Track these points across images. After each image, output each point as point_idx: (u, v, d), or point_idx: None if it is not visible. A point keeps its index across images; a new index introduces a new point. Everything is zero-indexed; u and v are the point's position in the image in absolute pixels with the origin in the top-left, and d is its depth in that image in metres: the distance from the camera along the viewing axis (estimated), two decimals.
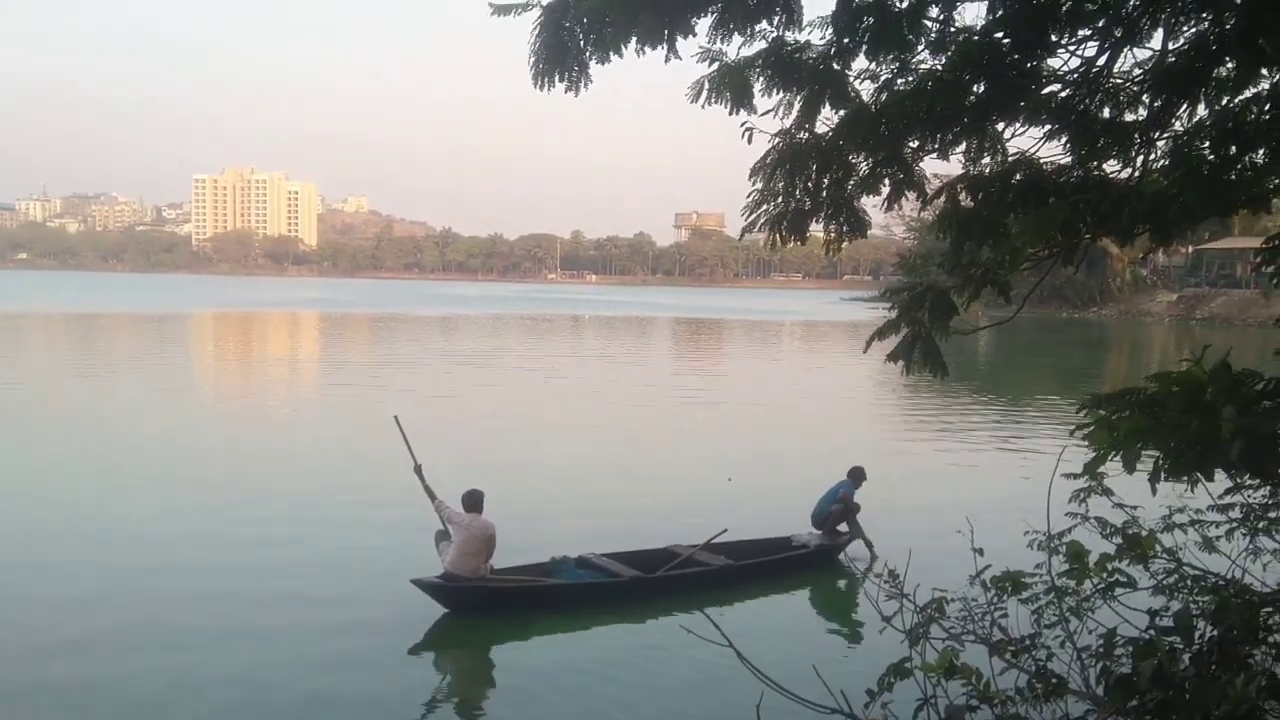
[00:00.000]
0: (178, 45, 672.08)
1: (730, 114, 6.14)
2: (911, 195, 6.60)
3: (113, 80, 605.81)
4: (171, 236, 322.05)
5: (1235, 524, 5.50)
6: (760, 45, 5.99)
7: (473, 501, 11.22)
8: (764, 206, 6.54)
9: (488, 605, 11.13)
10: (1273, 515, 5.44)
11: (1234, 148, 5.10)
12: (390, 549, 12.86)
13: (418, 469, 11.70)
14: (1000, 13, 5.54)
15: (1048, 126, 5.99)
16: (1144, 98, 5.82)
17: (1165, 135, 5.85)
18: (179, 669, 9.57)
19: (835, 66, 6.01)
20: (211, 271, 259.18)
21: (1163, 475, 3.83)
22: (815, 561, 13.22)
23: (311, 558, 12.88)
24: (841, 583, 13.13)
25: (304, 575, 12.16)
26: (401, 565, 11.62)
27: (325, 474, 18.23)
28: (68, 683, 9.21)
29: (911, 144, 6.26)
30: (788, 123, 6.27)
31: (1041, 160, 6.13)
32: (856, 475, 13.87)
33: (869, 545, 13.42)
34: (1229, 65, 5.29)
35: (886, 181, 6.44)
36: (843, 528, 13.67)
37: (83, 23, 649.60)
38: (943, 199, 6.56)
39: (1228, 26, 5.15)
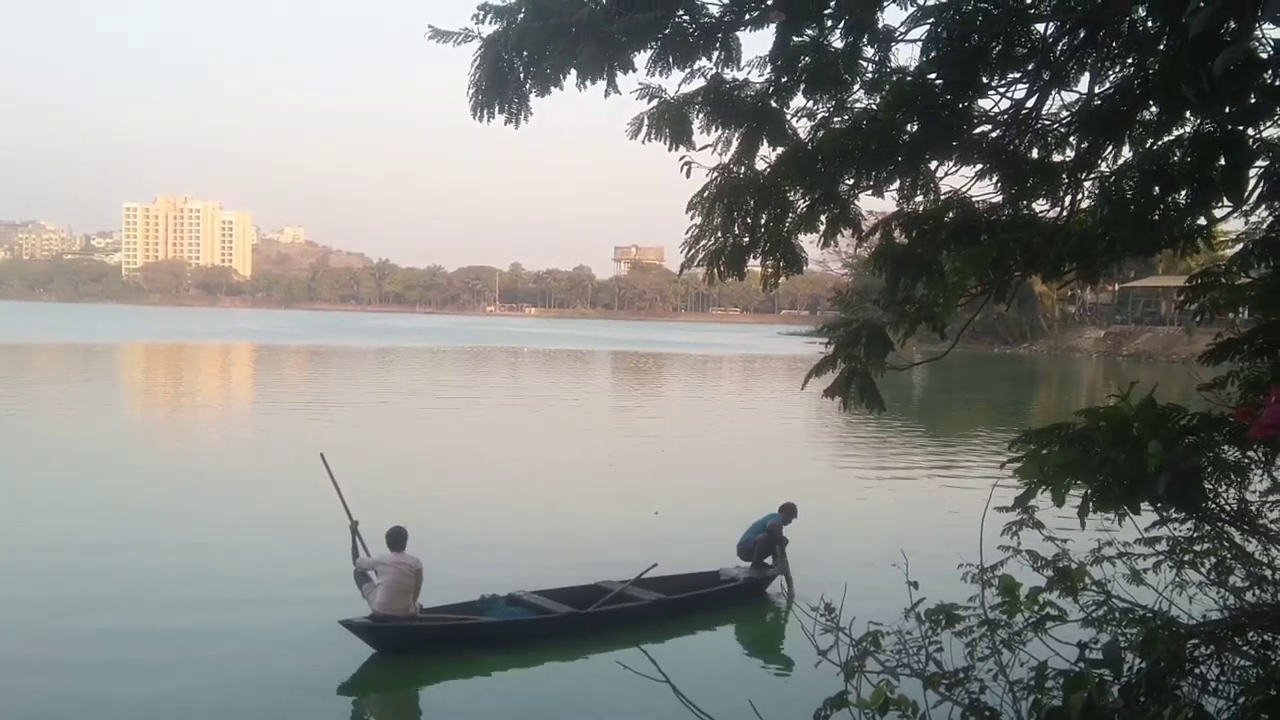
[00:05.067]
0: (109, 71, 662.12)
1: (670, 150, 6.18)
2: (847, 232, 6.68)
3: (41, 105, 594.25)
4: (100, 266, 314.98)
5: (1162, 557, 5.60)
6: (699, 82, 6.04)
7: (397, 539, 11.01)
8: (703, 242, 6.57)
9: (419, 645, 10.94)
10: (1198, 548, 5.54)
11: (1158, 189, 5.23)
12: (316, 588, 12.55)
13: (354, 526, 11.48)
14: (933, 55, 5.64)
15: (979, 166, 6.10)
16: (1071, 139, 5.95)
17: (1092, 176, 5.99)
18: (88, 708, 9.29)
19: (773, 104, 6.08)
20: (142, 302, 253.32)
21: (1091, 508, 3.88)
22: (745, 595, 13.24)
23: (235, 596, 12.59)
24: (771, 616, 13.16)
25: (227, 615, 11.88)
26: (329, 605, 11.37)
27: (249, 509, 17.86)
28: None
29: (847, 181, 6.34)
30: (726, 159, 6.32)
31: (973, 199, 6.25)
32: (788, 511, 13.90)
33: (789, 580, 13.44)
34: (1153, 109, 5.45)
35: (823, 218, 6.51)
36: (770, 560, 13.68)
37: (6, 45, 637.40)
38: (878, 236, 6.65)
39: (1151, 73, 5.30)
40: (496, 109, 5.89)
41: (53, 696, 9.50)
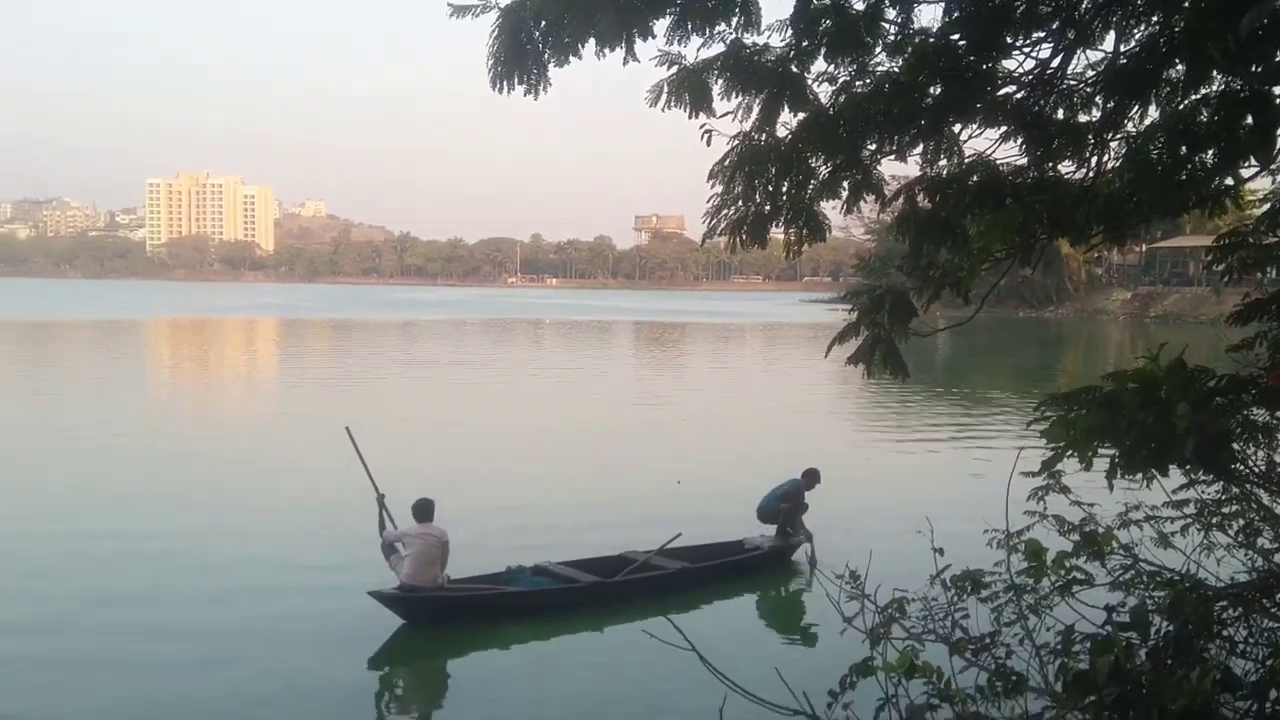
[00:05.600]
0: (129, 47, 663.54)
1: (690, 117, 6.14)
2: (870, 198, 6.62)
3: (63, 83, 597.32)
4: (125, 242, 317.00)
5: (1190, 520, 5.58)
6: (719, 48, 5.98)
7: (423, 510, 11.07)
8: (724, 211, 6.53)
9: (447, 615, 11.04)
10: (1226, 510, 5.51)
11: (1185, 149, 5.16)
12: (344, 560, 12.63)
13: (380, 499, 11.53)
14: (956, 15, 5.58)
15: (1004, 128, 6.04)
16: (1097, 99, 5.88)
17: (1118, 136, 5.92)
18: (121, 685, 9.42)
19: (794, 69, 6.01)
20: (166, 278, 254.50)
21: (1119, 472, 3.86)
22: (770, 563, 13.27)
23: (261, 569, 12.73)
24: (796, 584, 13.18)
25: (255, 589, 12.00)
26: (355, 579, 11.46)
27: (276, 484, 18.03)
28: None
29: (869, 146, 6.28)
30: (747, 126, 6.27)
31: (998, 162, 6.18)
32: (811, 476, 13.88)
33: (811, 546, 13.44)
34: (1179, 68, 5.37)
35: (845, 184, 6.45)
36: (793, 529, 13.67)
37: (30, 24, 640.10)
38: (901, 201, 6.59)
39: (1177, 31, 5.22)
40: (516, 80, 5.86)
41: (61, 679, 9.66)
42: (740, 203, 6.44)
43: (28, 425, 23.92)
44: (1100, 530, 4.90)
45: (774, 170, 6.31)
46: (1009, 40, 5.68)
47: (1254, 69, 4.67)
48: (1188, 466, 4.09)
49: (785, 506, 13.61)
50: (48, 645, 10.15)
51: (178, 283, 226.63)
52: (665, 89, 6.10)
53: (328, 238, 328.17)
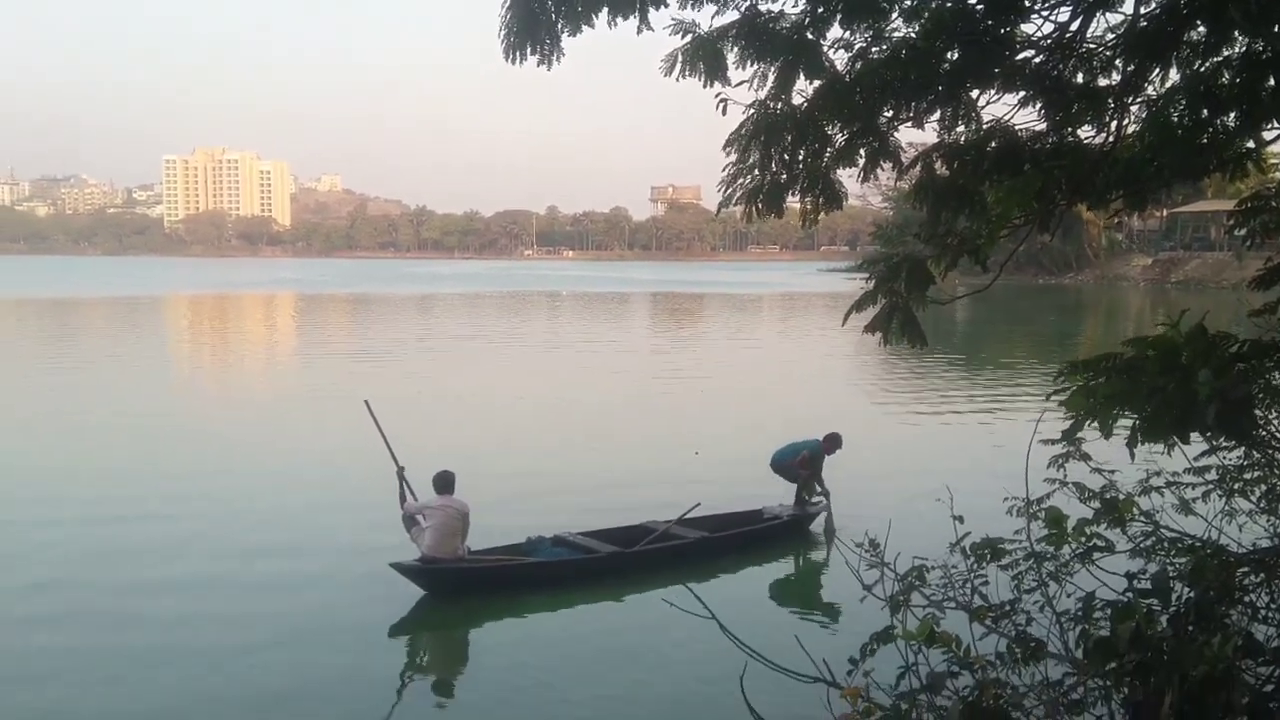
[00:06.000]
0: (143, 25, 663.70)
1: (705, 86, 6.09)
2: (887, 165, 6.57)
3: (79, 61, 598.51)
4: (143, 219, 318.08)
5: (1211, 486, 5.55)
6: (733, 15, 5.94)
7: (444, 483, 11.12)
8: (740, 180, 6.49)
9: (468, 586, 11.12)
10: (1248, 476, 5.49)
11: (1206, 111, 5.11)
12: (367, 533, 12.69)
13: (400, 472, 11.58)
14: None
15: (1022, 93, 5.97)
16: (1117, 62, 5.81)
17: (1139, 100, 5.86)
18: (141, 654, 9.55)
19: (810, 36, 5.96)
20: (184, 254, 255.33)
21: (1139, 439, 3.84)
22: (789, 532, 13.29)
23: (285, 543, 12.83)
24: (816, 553, 13.19)
25: (278, 561, 12.11)
26: (376, 552, 11.54)
27: (297, 457, 18.14)
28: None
29: (886, 113, 6.22)
30: (762, 94, 6.22)
31: (1016, 127, 6.12)
32: (832, 440, 13.85)
33: (829, 512, 13.45)
34: (1200, 30, 5.29)
35: (862, 152, 6.40)
36: (809, 495, 13.67)
37: (45, 2, 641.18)
38: (918, 168, 6.54)
39: None
40: (529, 50, 5.83)
41: (82, 649, 9.79)
42: (756, 172, 6.40)
43: (48, 409, 24.08)
44: (1121, 497, 4.88)
45: (790, 139, 6.26)
46: (1027, 3, 5.62)
47: (1276, 30, 4.61)
48: (1209, 433, 4.06)
49: (804, 473, 13.61)
50: (76, 634, 10.17)
51: (196, 258, 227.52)
52: (680, 58, 6.05)
53: (344, 212, 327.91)
